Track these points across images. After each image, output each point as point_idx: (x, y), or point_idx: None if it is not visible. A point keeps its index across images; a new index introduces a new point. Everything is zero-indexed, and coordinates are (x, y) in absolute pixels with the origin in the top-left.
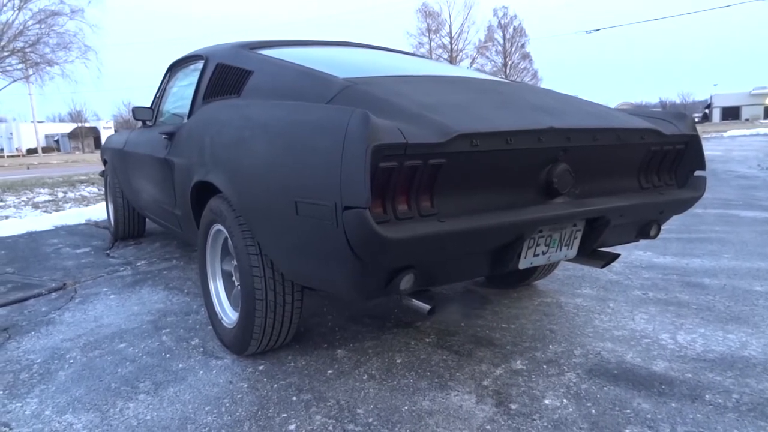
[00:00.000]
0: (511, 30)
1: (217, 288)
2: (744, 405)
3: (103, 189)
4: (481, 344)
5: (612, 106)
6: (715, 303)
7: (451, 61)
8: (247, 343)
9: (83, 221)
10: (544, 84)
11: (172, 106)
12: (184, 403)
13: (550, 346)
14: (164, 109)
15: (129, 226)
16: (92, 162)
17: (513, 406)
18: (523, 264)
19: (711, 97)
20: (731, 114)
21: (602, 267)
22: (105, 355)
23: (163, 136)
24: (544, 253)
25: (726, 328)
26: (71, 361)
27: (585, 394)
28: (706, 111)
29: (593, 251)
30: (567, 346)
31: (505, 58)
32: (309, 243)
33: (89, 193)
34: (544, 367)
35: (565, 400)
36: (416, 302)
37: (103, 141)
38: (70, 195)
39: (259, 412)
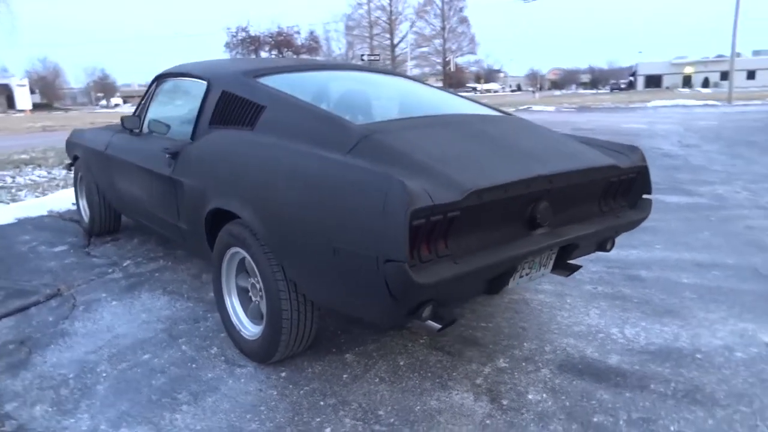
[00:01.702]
0: None
1: (233, 303)
2: (679, 392)
3: (73, 184)
4: (468, 344)
5: (544, 72)
6: (651, 296)
7: (390, 24)
8: (273, 353)
9: (45, 212)
10: (481, 50)
11: (162, 121)
12: (226, 412)
13: (525, 344)
14: (151, 120)
15: (105, 223)
16: (17, 130)
17: (504, 402)
18: (511, 285)
19: (636, 65)
20: (654, 82)
21: (567, 276)
22: (134, 368)
23: (167, 155)
24: (527, 275)
25: (662, 321)
26: (104, 374)
27: (559, 389)
28: (631, 79)
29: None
30: (538, 343)
31: (443, 22)
32: (345, 281)
33: (39, 177)
34: (523, 364)
35: (544, 395)
36: (429, 323)
37: (18, 102)
38: (20, 180)
39: (296, 418)
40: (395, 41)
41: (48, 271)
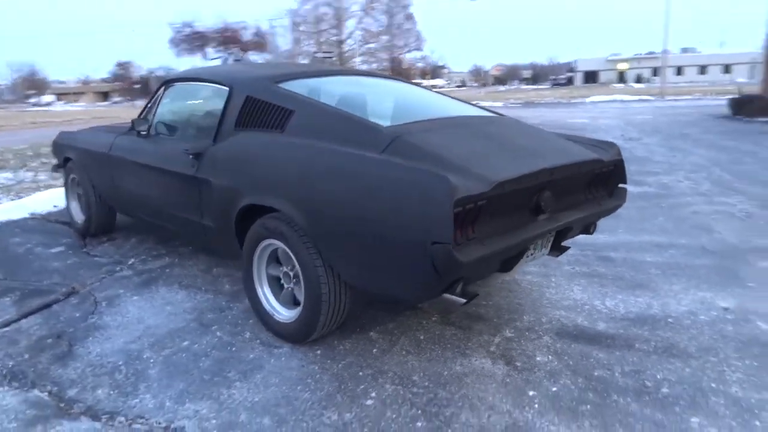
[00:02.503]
0: None
1: (265, 291)
2: (659, 349)
3: (64, 186)
4: (475, 319)
5: (488, 67)
6: (623, 273)
7: (338, 20)
8: (310, 334)
9: (28, 215)
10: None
11: (176, 123)
12: (277, 385)
13: (524, 317)
14: (163, 122)
15: (102, 224)
16: None
17: (518, 364)
18: (520, 264)
19: (575, 61)
20: (591, 78)
21: (557, 256)
22: (178, 353)
23: (189, 155)
24: (532, 255)
25: (635, 293)
26: (151, 360)
27: (561, 351)
28: (570, 74)
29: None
30: (535, 316)
31: (390, 19)
32: (390, 263)
33: (6, 180)
34: (527, 333)
35: (550, 357)
36: (455, 298)
37: None
38: None
39: (342, 386)
40: (343, 37)
41: (54, 271)
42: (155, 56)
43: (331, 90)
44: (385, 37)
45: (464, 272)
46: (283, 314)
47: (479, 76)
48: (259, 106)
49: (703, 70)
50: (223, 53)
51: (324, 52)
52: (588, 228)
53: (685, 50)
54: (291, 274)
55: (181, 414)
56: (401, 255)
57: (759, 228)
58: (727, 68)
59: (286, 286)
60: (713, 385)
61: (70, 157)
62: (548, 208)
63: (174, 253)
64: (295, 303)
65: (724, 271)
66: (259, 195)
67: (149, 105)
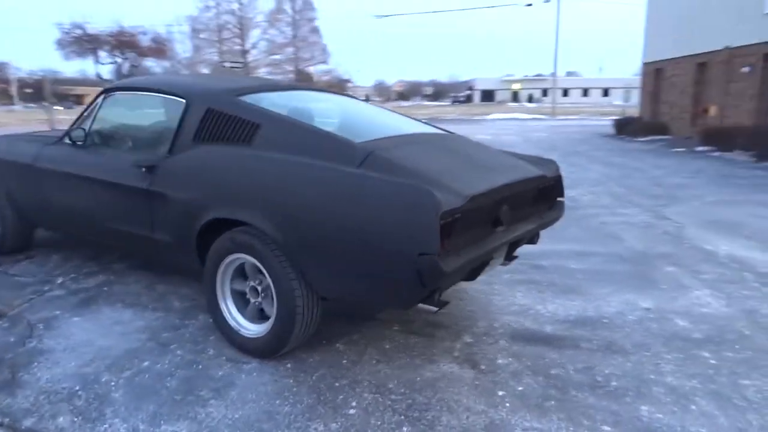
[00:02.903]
0: (299, 2)
1: (229, 306)
2: (602, 347)
3: None
4: (435, 327)
5: (390, 83)
6: (555, 279)
7: (241, 30)
8: (281, 347)
9: None
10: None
11: (120, 134)
12: (254, 401)
13: (479, 323)
14: (104, 133)
15: (19, 240)
16: None
17: (483, 367)
18: (483, 273)
19: (473, 80)
20: (488, 96)
21: (506, 265)
22: (140, 374)
23: (141, 168)
24: (491, 264)
25: (569, 297)
26: (112, 383)
27: (518, 353)
28: (469, 92)
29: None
30: (488, 321)
31: (295, 31)
32: (373, 274)
33: None
34: (484, 338)
35: (509, 359)
36: (427, 306)
37: None
38: None
39: (321, 398)
40: (247, 47)
41: None
42: (36, 58)
43: (291, 105)
44: (290, 49)
45: (444, 281)
46: (250, 329)
47: (383, 92)
48: (221, 119)
49: (585, 92)
50: (118, 58)
51: (232, 62)
52: (533, 239)
53: (569, 74)
54: (259, 288)
55: None
56: (386, 266)
57: (657, 236)
58: (606, 92)
59: (252, 300)
60: (652, 376)
61: None
62: (506, 220)
63: (107, 270)
64: (262, 317)
65: (638, 275)
66: (227, 209)
67: (85, 114)
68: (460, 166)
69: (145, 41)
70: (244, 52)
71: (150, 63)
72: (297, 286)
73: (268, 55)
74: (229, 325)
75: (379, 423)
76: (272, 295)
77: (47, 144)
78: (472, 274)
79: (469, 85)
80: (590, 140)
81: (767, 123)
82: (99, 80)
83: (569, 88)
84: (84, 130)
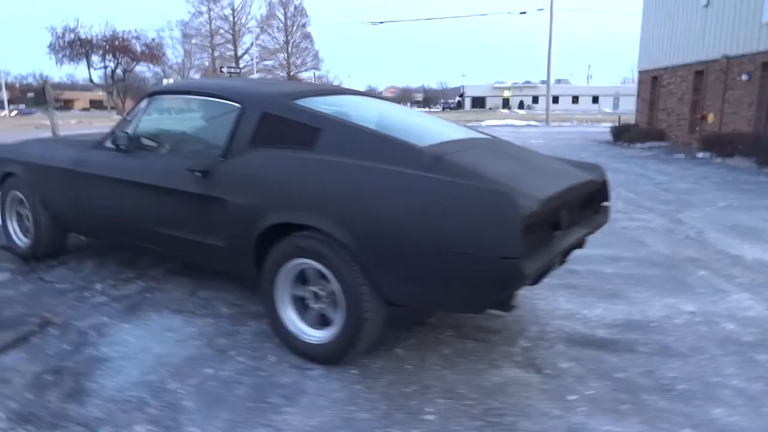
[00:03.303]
0: (292, 8)
1: (288, 312)
2: (658, 351)
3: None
4: (487, 332)
5: (381, 89)
6: (593, 284)
7: (234, 35)
8: (347, 353)
9: None
10: (326, 65)
11: (169, 139)
12: (328, 407)
13: (531, 327)
14: (149, 138)
15: (53, 246)
16: None
17: (547, 371)
18: (545, 276)
19: (463, 87)
20: (479, 103)
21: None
22: (206, 381)
23: (197, 173)
24: (553, 268)
25: (612, 301)
26: (180, 391)
27: (578, 357)
28: (460, 99)
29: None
30: (539, 326)
31: (287, 36)
32: (451, 278)
33: None
34: (540, 342)
35: (571, 363)
36: (496, 310)
37: None
38: None
39: (394, 403)
40: (239, 53)
41: (11, 301)
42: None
43: (343, 109)
44: (282, 55)
45: (523, 285)
46: (313, 335)
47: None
48: (279, 124)
49: (575, 99)
50: (111, 63)
51: (230, 67)
52: (582, 243)
53: (558, 81)
54: (322, 293)
55: None
56: (465, 270)
57: (680, 241)
58: (595, 99)
59: (313, 306)
60: (716, 379)
61: (12, 173)
62: (564, 224)
63: (145, 276)
64: (323, 323)
65: (672, 279)
66: (292, 213)
67: (129, 117)
68: (521, 170)
69: (138, 46)
70: (237, 58)
71: (140, 68)
72: (366, 292)
73: (261, 60)
74: (290, 331)
75: (459, 429)
76: (338, 301)
77: (87, 148)
78: (539, 278)
79: (459, 92)
80: (589, 147)
81: (767, 130)
82: (91, 85)
83: (559, 95)
84: (128, 134)
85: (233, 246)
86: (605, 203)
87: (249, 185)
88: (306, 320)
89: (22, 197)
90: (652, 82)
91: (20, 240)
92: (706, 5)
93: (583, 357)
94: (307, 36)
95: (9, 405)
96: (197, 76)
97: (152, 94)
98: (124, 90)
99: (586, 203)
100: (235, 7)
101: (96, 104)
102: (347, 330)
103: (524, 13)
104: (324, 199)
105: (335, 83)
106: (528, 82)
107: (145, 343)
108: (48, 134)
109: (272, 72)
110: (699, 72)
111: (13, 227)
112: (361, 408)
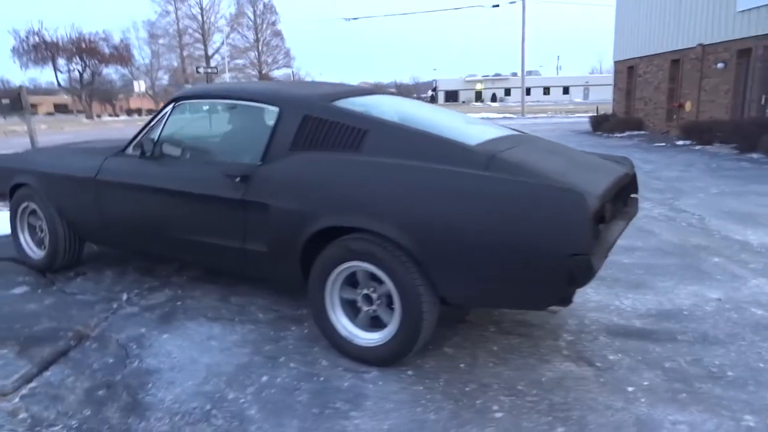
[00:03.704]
0: (261, 6)
1: (339, 316)
2: (698, 339)
3: (11, 217)
4: (528, 327)
5: (354, 82)
6: (617, 275)
7: (204, 34)
8: (404, 354)
9: None
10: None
11: (198, 144)
12: (396, 410)
13: (569, 321)
14: (175, 143)
15: (70, 257)
16: None
17: (599, 364)
18: None
19: (436, 81)
20: (452, 97)
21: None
22: (264, 389)
23: (236, 178)
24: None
25: (640, 291)
26: (241, 400)
27: (623, 349)
28: (433, 93)
29: None
30: (576, 318)
31: (257, 34)
32: (521, 276)
33: None
34: (582, 335)
35: (619, 354)
36: (554, 306)
37: None
38: None
39: (460, 403)
40: (210, 52)
41: (37, 315)
42: None
43: (382, 109)
44: (253, 53)
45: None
46: (365, 338)
47: None
48: (322, 126)
49: (546, 90)
50: (78, 66)
51: (205, 67)
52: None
53: (529, 72)
54: (374, 296)
55: None
56: (532, 268)
57: (685, 229)
58: (566, 89)
59: (365, 309)
60: (761, 365)
61: (23, 184)
62: (608, 217)
63: (170, 285)
64: (374, 326)
65: (689, 267)
66: (345, 216)
67: (153, 123)
68: (568, 166)
69: (106, 48)
70: (208, 57)
71: (106, 70)
72: (424, 292)
73: (231, 59)
74: (341, 335)
75: (532, 425)
76: (393, 303)
77: (108, 156)
78: None
79: (432, 86)
80: (569, 137)
81: (743, 117)
82: (56, 88)
83: (531, 87)
84: (153, 140)
85: (277, 251)
86: (633, 195)
87: (295, 189)
88: (357, 323)
89: (36, 208)
90: (628, 72)
91: (33, 252)
92: None
93: (629, 348)
94: (278, 34)
95: (70, 423)
96: (166, 78)
97: (177, 99)
98: (91, 93)
99: (618, 195)
100: (204, 5)
101: (60, 108)
102: (404, 331)
103: (497, 6)
104: (381, 202)
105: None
106: (498, 74)
107: (190, 353)
108: (25, 141)
109: (243, 71)
110: (675, 61)
111: (25, 239)
112: (428, 409)
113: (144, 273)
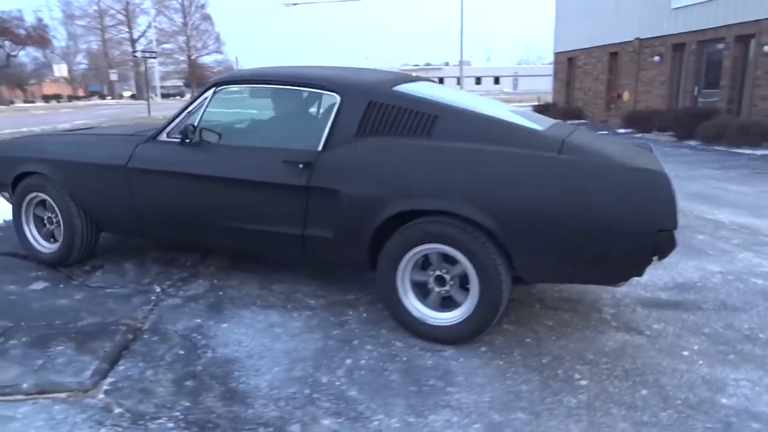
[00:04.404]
0: None
1: (410, 299)
2: (720, 307)
3: (16, 210)
4: (568, 302)
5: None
6: None
7: (128, 16)
8: (479, 333)
9: None
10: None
11: (242, 130)
12: (489, 384)
13: (603, 296)
14: (217, 130)
15: (86, 250)
16: None
17: (647, 333)
18: None
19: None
20: None
21: None
22: (354, 371)
23: (299, 165)
24: None
25: (651, 267)
26: (337, 383)
27: (662, 318)
28: None
29: None
30: (609, 293)
31: (185, 18)
32: (602, 253)
33: None
34: (622, 308)
35: (661, 323)
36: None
37: None
38: None
39: (544, 374)
40: (135, 36)
41: (74, 310)
42: None
43: (434, 95)
44: (182, 38)
45: None
46: (439, 318)
47: None
48: (389, 112)
49: (478, 80)
50: None
51: (145, 52)
52: None
53: (460, 63)
54: (446, 277)
55: (434, 426)
56: (620, 245)
57: None
58: (496, 79)
59: (436, 289)
60: None
61: (30, 172)
62: None
63: (201, 275)
64: (445, 306)
65: (682, 245)
66: (423, 200)
67: (190, 109)
68: (624, 151)
69: (22, 29)
70: (133, 41)
71: (22, 53)
72: (503, 272)
73: (159, 44)
74: (413, 317)
75: (616, 390)
76: (467, 283)
77: (138, 143)
78: None
79: None
80: None
81: (677, 107)
82: None
83: (464, 77)
84: (193, 126)
85: (345, 236)
86: None
87: (367, 174)
88: (427, 304)
89: (48, 199)
90: (568, 63)
91: (43, 246)
92: None
93: (667, 318)
94: (207, 18)
95: (174, 415)
96: (85, 62)
97: (219, 84)
98: (1, 78)
99: None
100: None
101: None
102: (483, 310)
103: None
104: (463, 185)
105: (236, 67)
106: (428, 64)
107: (260, 340)
108: None
109: (171, 56)
110: (613, 53)
111: (30, 232)
112: (517, 381)
113: (166, 264)
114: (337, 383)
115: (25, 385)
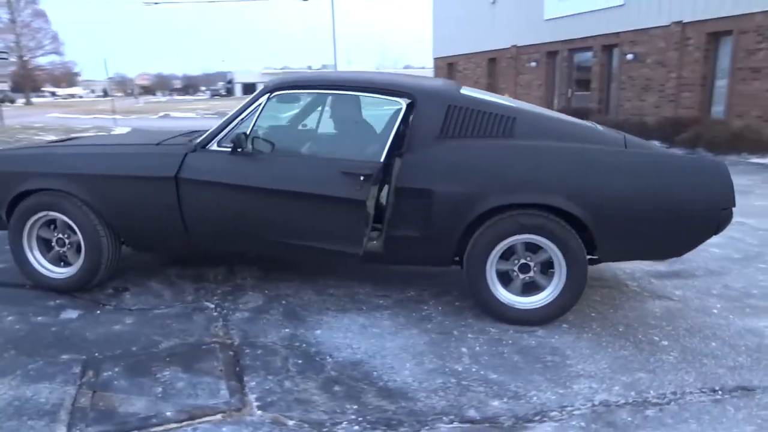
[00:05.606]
0: None
1: (497, 287)
2: (705, 273)
3: (15, 234)
4: (598, 279)
5: (132, 76)
6: None
7: None
8: (563, 312)
9: None
10: (68, 46)
11: (307, 137)
12: (596, 353)
13: (617, 273)
14: (274, 139)
15: (110, 271)
16: None
17: (675, 299)
18: None
19: (231, 72)
20: (250, 89)
21: None
22: (477, 358)
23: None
24: None
25: None
26: (473, 369)
27: (678, 286)
28: (229, 86)
29: None
30: (621, 270)
31: (12, 14)
32: (678, 231)
33: None
34: (640, 281)
35: (680, 290)
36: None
37: None
38: None
39: (628, 343)
40: None
41: (140, 335)
42: None
43: (494, 100)
44: (10, 36)
45: None
46: (526, 302)
47: (123, 86)
48: (469, 116)
49: None
50: None
51: None
52: None
53: (324, 66)
54: (531, 264)
55: (584, 393)
56: (690, 223)
57: None
58: None
59: (521, 276)
60: None
61: (40, 189)
62: None
63: (245, 287)
64: (526, 290)
65: None
66: (519, 194)
67: (242, 116)
68: (661, 147)
69: None
70: None
71: None
72: (584, 255)
73: None
74: (503, 303)
75: (693, 345)
76: (551, 268)
77: (188, 152)
78: None
79: (228, 78)
80: None
81: (553, 107)
82: None
83: None
84: (245, 134)
85: (434, 234)
86: None
87: (457, 174)
88: (511, 290)
89: (63, 217)
90: (448, 68)
91: (52, 271)
92: (493, 2)
93: (680, 286)
94: (40, 14)
95: (353, 418)
96: None
97: (272, 90)
98: None
99: None
100: None
101: None
102: (569, 291)
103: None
104: (555, 179)
105: (75, 70)
106: (285, 67)
107: (370, 341)
108: None
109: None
110: (492, 59)
111: (35, 258)
112: (616, 348)
113: (197, 280)
114: (473, 369)
115: (168, 413)
